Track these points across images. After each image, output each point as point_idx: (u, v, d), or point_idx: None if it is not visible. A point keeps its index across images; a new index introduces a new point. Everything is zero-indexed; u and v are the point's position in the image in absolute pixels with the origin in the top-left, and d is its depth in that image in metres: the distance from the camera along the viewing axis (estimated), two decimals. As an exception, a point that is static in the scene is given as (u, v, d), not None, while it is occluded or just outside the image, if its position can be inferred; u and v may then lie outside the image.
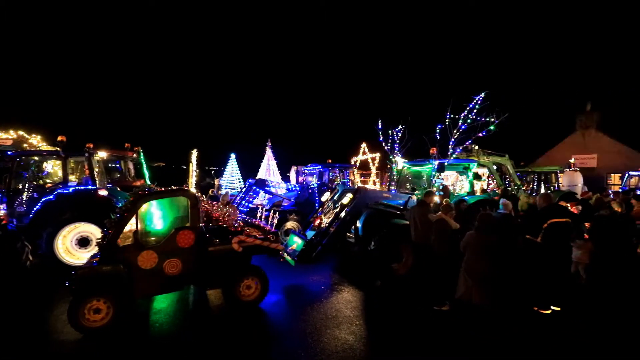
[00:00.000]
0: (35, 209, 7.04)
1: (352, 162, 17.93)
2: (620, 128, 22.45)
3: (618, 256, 5.20)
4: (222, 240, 5.13)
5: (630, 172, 15.14)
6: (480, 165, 9.63)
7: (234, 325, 4.63)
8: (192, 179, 11.03)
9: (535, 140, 26.26)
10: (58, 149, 7.60)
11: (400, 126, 10.83)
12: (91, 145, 7.64)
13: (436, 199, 6.70)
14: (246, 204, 9.69)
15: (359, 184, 14.01)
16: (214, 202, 7.58)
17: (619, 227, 5.44)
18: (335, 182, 11.29)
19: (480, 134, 8.78)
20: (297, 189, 10.71)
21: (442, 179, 9.27)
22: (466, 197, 8.55)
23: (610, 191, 13.12)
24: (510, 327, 4.46)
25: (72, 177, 8.04)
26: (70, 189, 7.19)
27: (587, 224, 5.81)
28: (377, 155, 17.89)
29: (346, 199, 7.15)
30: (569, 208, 6.45)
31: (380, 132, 11.23)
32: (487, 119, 8.63)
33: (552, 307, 4.91)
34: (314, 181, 11.37)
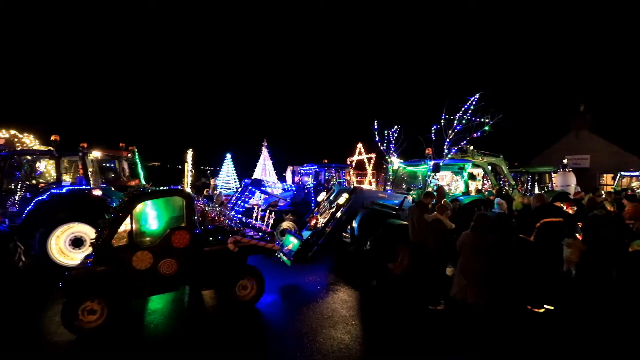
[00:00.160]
0: (28, 209, 6.96)
1: (348, 162, 17.99)
2: (612, 129, 22.75)
3: (610, 255, 5.28)
4: (218, 240, 5.12)
5: (622, 173, 15.35)
6: (475, 165, 9.71)
7: (230, 326, 4.62)
8: (188, 179, 10.99)
9: (530, 141, 26.53)
10: (51, 148, 7.52)
11: (395, 126, 10.88)
12: (85, 145, 7.56)
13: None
14: (242, 204, 9.67)
15: (355, 184, 14.04)
16: (212, 203, 7.56)
17: (611, 227, 5.51)
18: (331, 182, 11.31)
19: (475, 135, 8.86)
20: (293, 189, 10.72)
21: (438, 179, 9.33)
22: (461, 197, 8.62)
23: (602, 191, 13.28)
24: (505, 326, 4.50)
25: (65, 177, 7.96)
26: (64, 189, 7.11)
27: (579, 224, 5.89)
28: (373, 155, 17.95)
29: (342, 199, 7.16)
30: (565, 208, 6.54)
31: (376, 133, 11.28)
32: (482, 120, 8.71)
33: (545, 306, 4.97)
34: (310, 181, 11.38)
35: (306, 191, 10.49)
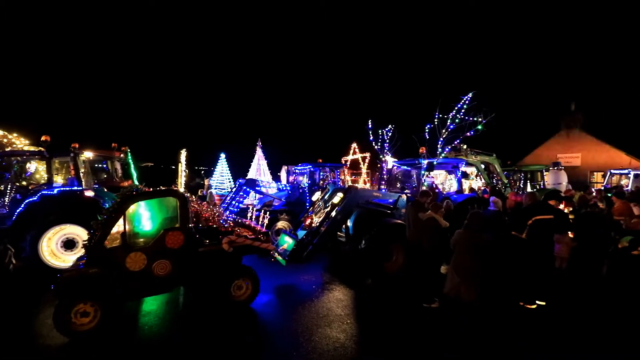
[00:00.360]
0: (18, 210, 6.85)
1: (343, 162, 18.00)
2: (603, 128, 23.12)
3: (600, 251, 5.37)
4: (212, 240, 5.10)
5: (612, 170, 15.59)
6: (469, 164, 9.80)
7: (225, 326, 4.60)
8: (181, 179, 10.90)
9: (522, 139, 26.83)
10: (42, 149, 7.41)
11: (390, 126, 10.94)
12: (77, 145, 7.47)
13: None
14: (236, 204, 9.62)
15: (350, 184, 14.08)
16: (204, 203, 7.52)
17: (602, 224, 5.62)
18: (326, 182, 11.32)
19: (468, 134, 8.95)
20: (288, 188, 10.70)
21: (432, 177, 9.41)
22: (454, 196, 8.70)
23: (593, 189, 13.48)
24: (498, 323, 4.56)
25: (57, 178, 7.85)
26: (55, 190, 7.02)
27: (571, 216, 5.99)
28: (368, 154, 17.99)
29: (337, 199, 7.17)
30: (563, 207, 6.65)
31: (370, 132, 11.33)
32: (475, 119, 8.80)
33: (537, 302, 5.04)
34: (304, 181, 11.38)
35: (301, 191, 10.49)
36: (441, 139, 9.08)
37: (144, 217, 4.97)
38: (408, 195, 8.44)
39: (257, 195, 10.69)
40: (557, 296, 5.26)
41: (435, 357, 3.87)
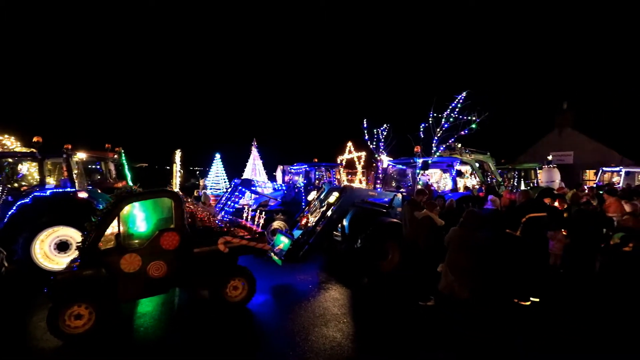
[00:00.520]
0: (10, 213, 6.76)
1: (338, 161, 18.02)
2: (594, 126, 23.42)
3: (593, 248, 5.45)
4: (208, 241, 5.07)
5: (604, 168, 15.79)
6: (463, 162, 9.87)
7: (221, 327, 4.59)
8: (176, 180, 10.84)
9: (516, 138, 27.08)
10: (34, 150, 7.33)
11: (385, 125, 10.97)
12: (69, 146, 7.39)
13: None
14: (232, 204, 9.59)
15: (345, 183, 14.11)
16: (199, 203, 7.48)
17: (595, 221, 5.70)
18: (322, 181, 11.32)
19: (462, 132, 9.00)
20: (284, 188, 10.69)
21: (428, 176, 9.46)
22: (449, 195, 8.76)
23: (585, 186, 13.66)
24: (493, 320, 4.60)
25: (49, 180, 7.76)
26: (48, 192, 6.94)
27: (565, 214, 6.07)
28: (363, 154, 18.03)
29: (332, 198, 7.17)
30: (557, 204, 6.73)
31: (365, 131, 11.36)
32: (469, 118, 8.86)
33: (531, 299, 5.10)
34: (300, 180, 11.37)
35: (296, 190, 10.48)
36: (436, 137, 9.12)
37: (139, 218, 4.93)
38: (403, 194, 8.47)
39: (253, 195, 10.67)
40: (551, 293, 5.33)
41: (431, 356, 3.90)
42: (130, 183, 9.17)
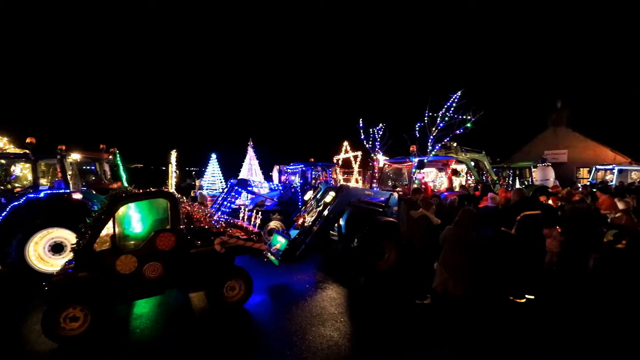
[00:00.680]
0: (3, 214, 6.69)
1: (335, 161, 18.04)
2: (588, 124, 23.66)
3: (587, 246, 5.50)
4: (204, 241, 5.06)
5: (597, 166, 15.96)
6: (459, 161, 9.93)
7: (219, 328, 4.58)
8: (172, 180, 10.79)
9: (510, 137, 27.26)
10: (27, 151, 7.25)
11: (380, 125, 11.01)
12: (63, 147, 7.32)
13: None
14: (228, 204, 9.56)
15: (342, 182, 14.12)
16: (195, 204, 7.45)
17: (589, 219, 5.76)
18: (318, 181, 11.33)
19: (457, 132, 9.06)
20: (280, 188, 10.67)
21: (423, 174, 9.50)
22: (445, 193, 8.80)
23: (579, 184, 13.80)
24: (488, 318, 4.63)
25: (43, 181, 7.68)
26: (42, 193, 6.88)
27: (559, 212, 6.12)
28: (359, 153, 18.06)
29: (329, 198, 7.18)
30: (551, 202, 6.79)
31: (361, 131, 11.39)
32: (464, 117, 8.92)
33: (526, 296, 5.14)
34: (296, 180, 11.36)
35: (293, 190, 10.47)
36: (431, 137, 9.18)
37: (134, 219, 4.91)
38: (399, 193, 8.50)
39: (249, 196, 10.64)
40: (546, 290, 5.37)
41: (426, 354, 3.93)
42: (126, 184, 9.11)
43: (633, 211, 6.33)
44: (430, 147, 9.17)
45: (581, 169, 22.55)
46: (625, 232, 5.77)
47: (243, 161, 18.66)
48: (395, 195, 7.75)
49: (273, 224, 8.89)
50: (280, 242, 6.75)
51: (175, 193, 5.51)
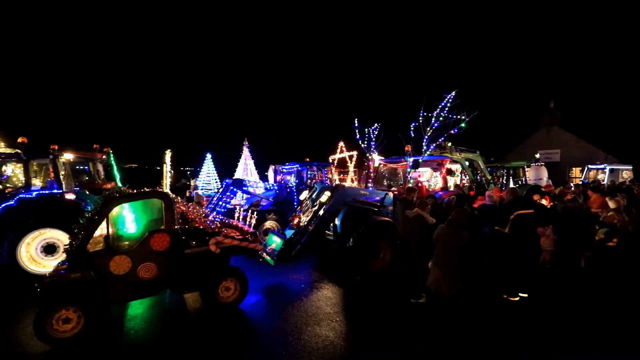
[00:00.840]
0: (-6, 215, 6.59)
1: (330, 161, 18.06)
2: (580, 125, 23.99)
3: (578, 244, 5.57)
4: (199, 242, 5.04)
5: (589, 166, 16.16)
6: (453, 161, 10.00)
7: (214, 328, 4.56)
8: (167, 181, 10.70)
9: (504, 137, 27.53)
10: (19, 151, 7.17)
11: (376, 124, 11.05)
12: (56, 147, 7.25)
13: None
14: (223, 204, 9.53)
15: (337, 182, 14.14)
16: (190, 204, 7.41)
17: (580, 218, 5.83)
18: (314, 181, 11.33)
19: (452, 131, 9.12)
20: (276, 188, 10.66)
21: (418, 173, 9.57)
22: (439, 193, 8.86)
23: (572, 184, 13.97)
24: (482, 316, 4.67)
25: (35, 181, 7.59)
26: (34, 194, 6.80)
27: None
28: (355, 153, 18.09)
29: (324, 197, 7.19)
30: (545, 202, 6.86)
31: (357, 131, 11.42)
32: (458, 117, 8.98)
33: (520, 294, 5.20)
34: (292, 180, 11.36)
35: (288, 190, 10.47)
36: (426, 136, 9.23)
37: (128, 219, 4.87)
38: (395, 193, 8.54)
39: (245, 195, 10.62)
40: (540, 288, 5.43)
41: (420, 352, 3.95)
42: (120, 184, 9.04)
43: (623, 210, 6.44)
44: (425, 147, 9.22)
45: (573, 168, 22.84)
46: (616, 230, 5.86)
47: (238, 161, 18.62)
48: (391, 195, 7.79)
49: (268, 224, 8.88)
50: (275, 242, 6.75)
51: (170, 193, 5.48)
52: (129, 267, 4.38)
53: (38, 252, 6.62)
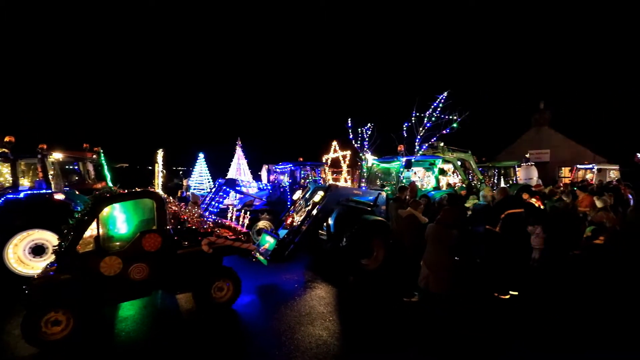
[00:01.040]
0: (-20, 216, 6.45)
1: (324, 160, 18.07)
2: (569, 125, 24.41)
3: (566, 243, 5.67)
4: (192, 242, 5.00)
5: (578, 166, 16.45)
6: (445, 161, 10.10)
7: (207, 329, 4.54)
8: (159, 180, 10.58)
9: (496, 137, 27.87)
10: (5, 150, 7.02)
11: (369, 124, 11.10)
12: (44, 146, 7.12)
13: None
14: (216, 204, 9.48)
15: (330, 182, 14.17)
16: (183, 204, 7.36)
17: (568, 218, 5.94)
18: (307, 180, 11.34)
19: (444, 131, 9.21)
20: (269, 188, 10.64)
21: (413, 173, 9.63)
22: (432, 192, 8.94)
23: (561, 183, 14.21)
24: (473, 314, 4.73)
25: (23, 181, 7.45)
26: (22, 194, 6.67)
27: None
28: (348, 152, 18.14)
29: (317, 197, 7.20)
30: (535, 202, 6.96)
31: (350, 131, 11.45)
32: (450, 117, 9.07)
33: (510, 292, 5.27)
34: (285, 180, 11.34)
35: (282, 190, 10.45)
36: (418, 136, 9.30)
37: (119, 219, 4.82)
38: (388, 192, 8.59)
39: (238, 195, 10.58)
40: (530, 286, 5.51)
41: (412, 351, 3.98)
42: (110, 184, 8.92)
43: (610, 208, 6.56)
44: (417, 147, 9.29)
45: (563, 168, 23.23)
46: (603, 228, 5.97)
47: (231, 160, 18.53)
48: (384, 194, 7.83)
49: (262, 224, 8.86)
50: (269, 242, 6.73)
51: (162, 193, 5.43)
52: (120, 268, 4.33)
53: (26, 254, 6.49)
